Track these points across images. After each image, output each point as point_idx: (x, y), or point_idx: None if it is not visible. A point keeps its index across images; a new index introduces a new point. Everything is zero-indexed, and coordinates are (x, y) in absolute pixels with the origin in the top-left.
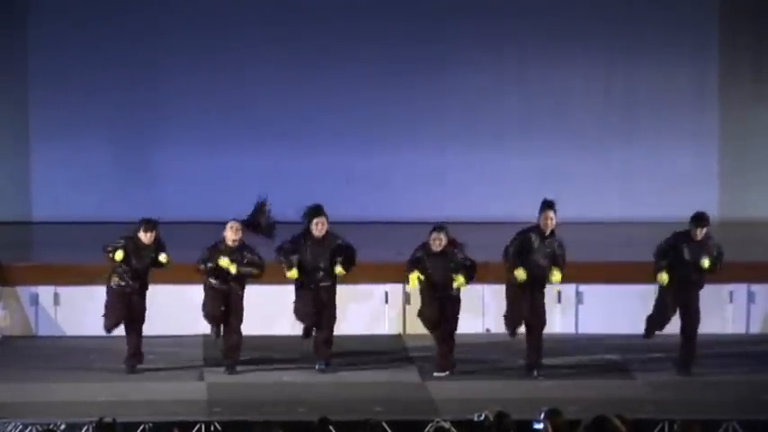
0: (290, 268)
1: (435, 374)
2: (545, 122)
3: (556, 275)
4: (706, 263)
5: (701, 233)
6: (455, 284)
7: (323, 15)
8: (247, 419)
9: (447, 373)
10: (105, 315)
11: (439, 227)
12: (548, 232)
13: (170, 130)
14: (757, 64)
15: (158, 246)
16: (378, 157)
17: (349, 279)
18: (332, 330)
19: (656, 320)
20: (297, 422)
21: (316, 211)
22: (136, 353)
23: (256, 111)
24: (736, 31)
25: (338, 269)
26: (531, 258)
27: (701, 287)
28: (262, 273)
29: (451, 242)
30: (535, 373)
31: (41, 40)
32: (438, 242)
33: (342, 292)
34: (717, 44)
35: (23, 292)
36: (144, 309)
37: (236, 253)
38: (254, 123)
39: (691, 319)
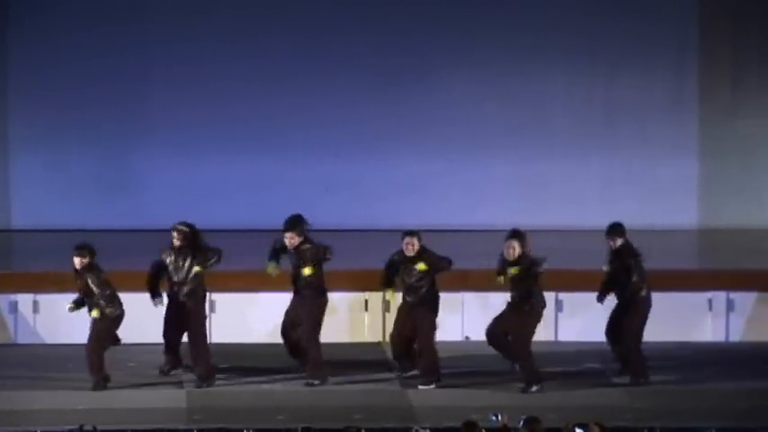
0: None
1: (420, 387)
2: (526, 131)
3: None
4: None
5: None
6: (417, 268)
7: (304, 29)
8: (227, 427)
9: (432, 386)
10: None
11: (410, 231)
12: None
13: (151, 139)
14: (735, 76)
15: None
16: (358, 166)
17: (328, 287)
18: (310, 345)
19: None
20: (277, 430)
21: (286, 224)
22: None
23: (237, 121)
24: (715, 44)
25: (305, 270)
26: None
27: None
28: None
29: (423, 250)
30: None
31: (22, 49)
32: (411, 247)
33: None
34: (696, 56)
35: (2, 299)
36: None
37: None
38: (234, 133)
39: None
